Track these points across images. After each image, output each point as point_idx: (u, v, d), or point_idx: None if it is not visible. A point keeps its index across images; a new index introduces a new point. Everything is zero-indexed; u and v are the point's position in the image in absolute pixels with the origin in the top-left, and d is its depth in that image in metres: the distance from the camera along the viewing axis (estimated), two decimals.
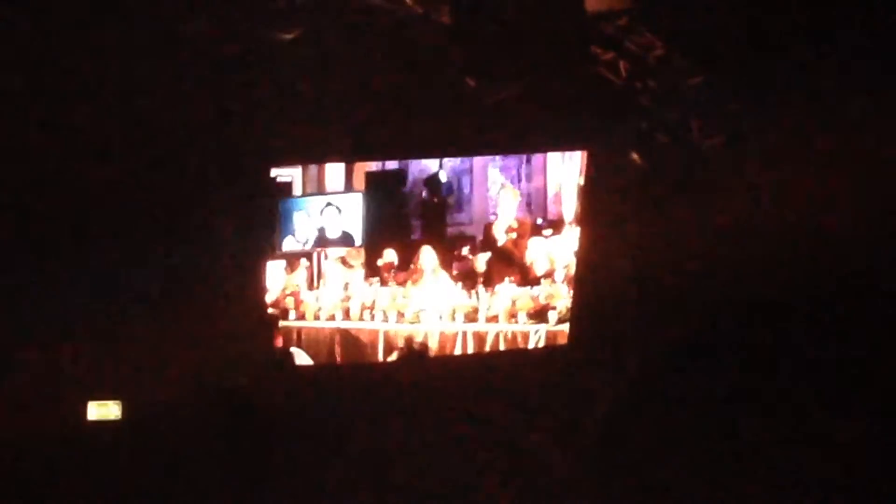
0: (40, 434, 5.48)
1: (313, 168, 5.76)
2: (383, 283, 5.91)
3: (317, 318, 5.88)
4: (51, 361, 5.47)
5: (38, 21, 4.86)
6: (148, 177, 5.35)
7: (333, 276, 5.89)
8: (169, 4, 4.96)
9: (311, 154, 5.59)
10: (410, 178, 5.87)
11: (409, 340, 5.87)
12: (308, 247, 5.77)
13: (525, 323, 5.90)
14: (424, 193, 5.90)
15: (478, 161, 5.98)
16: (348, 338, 5.91)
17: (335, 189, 5.81)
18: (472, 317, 5.90)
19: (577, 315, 5.86)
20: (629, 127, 5.62)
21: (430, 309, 5.89)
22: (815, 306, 5.88)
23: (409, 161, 5.83)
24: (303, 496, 5.76)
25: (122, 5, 4.91)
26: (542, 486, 5.90)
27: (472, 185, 6.01)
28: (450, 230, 6.00)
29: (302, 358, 5.84)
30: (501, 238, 5.97)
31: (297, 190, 5.74)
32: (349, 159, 5.73)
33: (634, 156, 5.65)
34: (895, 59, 5.20)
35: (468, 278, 5.93)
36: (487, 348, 5.90)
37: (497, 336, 5.91)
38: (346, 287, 5.91)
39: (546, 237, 5.97)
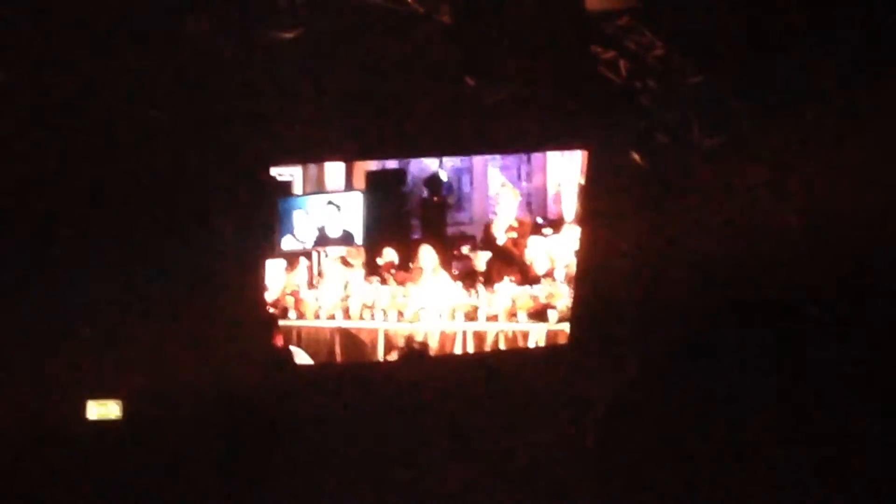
0: (40, 433, 5.47)
1: (313, 167, 5.77)
2: (383, 282, 5.92)
3: (317, 317, 5.89)
4: (51, 361, 5.46)
5: (38, 21, 4.86)
6: (148, 176, 5.35)
7: (333, 276, 5.90)
8: (169, 4, 4.96)
9: (312, 153, 5.59)
10: (410, 177, 5.88)
11: (409, 340, 5.87)
12: (308, 246, 5.77)
13: (525, 322, 5.90)
14: (424, 193, 5.91)
15: (478, 160, 5.99)
16: (348, 337, 5.91)
17: (335, 188, 5.82)
18: (472, 316, 5.91)
19: (577, 314, 5.85)
20: (629, 126, 5.61)
21: (430, 308, 5.89)
22: (815, 306, 5.87)
23: (409, 160, 5.84)
24: (302, 495, 5.76)
25: (121, 5, 4.90)
26: (542, 485, 5.91)
27: (472, 184, 6.02)
28: (450, 229, 6.01)
29: (302, 357, 5.85)
30: (501, 237, 5.97)
31: (297, 189, 5.75)
32: (349, 158, 5.74)
33: (634, 155, 5.64)
34: (895, 58, 5.19)
35: (468, 277, 5.94)
36: (487, 347, 5.91)
37: (497, 335, 5.92)
38: (346, 286, 5.92)
39: (546, 236, 5.97)
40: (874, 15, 5.19)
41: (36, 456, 5.47)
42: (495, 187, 6.02)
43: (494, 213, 6.00)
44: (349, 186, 5.83)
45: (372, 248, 5.87)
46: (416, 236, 5.93)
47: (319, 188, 5.80)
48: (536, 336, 5.91)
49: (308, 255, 5.83)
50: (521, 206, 6.00)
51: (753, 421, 5.88)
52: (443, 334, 5.89)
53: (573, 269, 5.84)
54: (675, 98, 5.51)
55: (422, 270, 5.90)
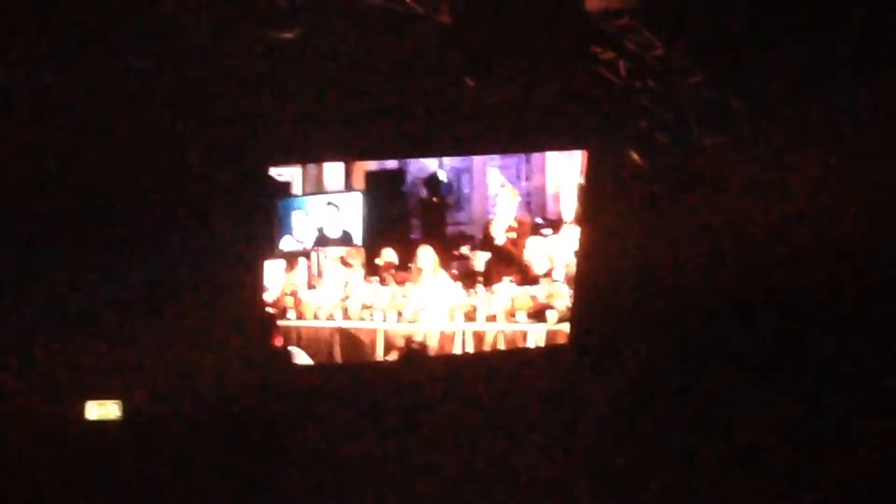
0: (40, 433, 5.47)
1: (313, 167, 5.76)
2: (383, 282, 5.91)
3: (316, 317, 5.87)
4: (50, 361, 5.46)
5: (38, 21, 4.85)
6: (147, 176, 5.35)
7: (333, 276, 5.89)
8: (169, 4, 4.95)
9: (311, 153, 5.58)
10: (410, 177, 5.87)
11: (408, 340, 5.87)
12: (307, 246, 5.77)
13: (524, 322, 5.90)
14: (424, 193, 5.90)
15: (477, 160, 5.98)
16: (348, 337, 5.91)
17: (335, 188, 5.81)
18: (471, 316, 5.91)
19: (576, 314, 5.86)
20: (629, 126, 5.62)
21: (430, 308, 5.89)
22: (816, 305, 5.88)
23: (409, 160, 5.83)
24: (302, 495, 5.77)
25: (122, 5, 4.90)
26: (542, 485, 5.91)
27: (471, 184, 6.02)
28: (449, 229, 6.01)
29: (301, 357, 5.84)
30: (500, 237, 5.97)
31: (296, 189, 5.74)
32: (349, 159, 5.73)
33: (634, 155, 5.65)
34: (895, 58, 5.20)
35: (467, 277, 5.93)
36: (487, 348, 5.91)
37: (496, 335, 5.92)
38: (345, 286, 5.91)
39: (545, 236, 5.97)
40: (874, 15, 5.20)
41: (36, 456, 5.47)
42: (495, 187, 6.01)
43: (494, 214, 6.00)
44: (349, 187, 5.82)
45: (371, 248, 5.86)
46: (415, 236, 5.92)
47: (319, 188, 5.79)
48: (535, 336, 5.92)
49: (307, 255, 5.82)
50: (520, 206, 6.00)
51: (753, 421, 5.90)
52: (442, 334, 5.89)
53: (572, 270, 5.85)
54: (674, 98, 5.52)
55: (421, 271, 5.90)
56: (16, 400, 5.42)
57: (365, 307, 5.90)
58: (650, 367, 6.02)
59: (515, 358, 5.95)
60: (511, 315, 5.91)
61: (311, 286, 5.85)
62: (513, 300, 5.92)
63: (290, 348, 5.82)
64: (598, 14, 5.35)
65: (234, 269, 5.55)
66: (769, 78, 5.39)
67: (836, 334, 5.88)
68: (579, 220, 5.82)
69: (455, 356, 5.91)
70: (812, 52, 5.27)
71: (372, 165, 5.80)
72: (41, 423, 5.45)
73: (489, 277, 5.94)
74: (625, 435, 5.99)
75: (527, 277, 5.95)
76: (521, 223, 5.98)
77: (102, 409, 5.55)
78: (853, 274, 5.78)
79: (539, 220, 6.01)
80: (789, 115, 5.44)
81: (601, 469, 5.94)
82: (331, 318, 5.88)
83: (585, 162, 5.69)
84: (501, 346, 5.91)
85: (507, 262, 5.96)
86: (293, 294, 5.82)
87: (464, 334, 5.90)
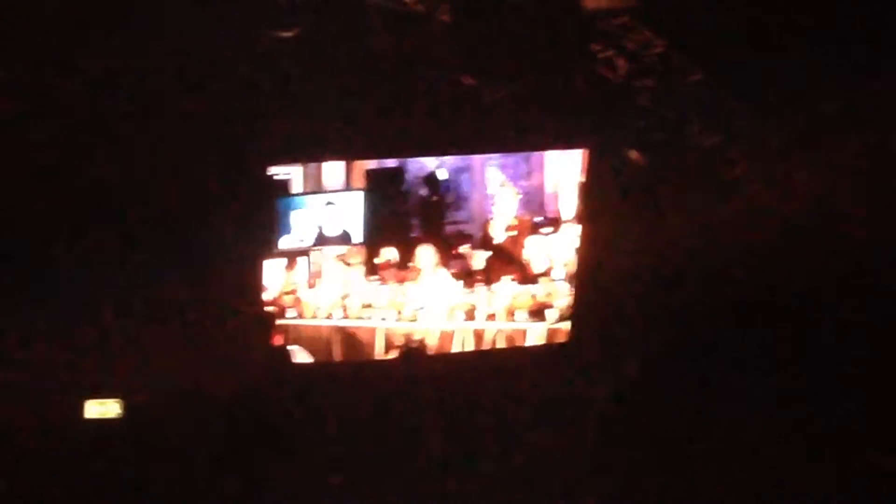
0: (38, 432, 5.47)
1: (312, 166, 5.74)
2: (382, 281, 5.90)
3: (315, 316, 5.87)
4: (49, 360, 5.46)
5: (38, 20, 4.84)
6: (146, 175, 5.34)
7: (332, 275, 5.88)
8: (168, 2, 4.95)
9: (310, 152, 5.58)
10: (409, 176, 5.85)
11: (407, 338, 5.87)
12: (307, 245, 5.77)
13: (524, 321, 5.91)
14: (423, 191, 5.88)
15: (477, 159, 5.95)
16: (347, 336, 5.90)
17: (334, 187, 5.79)
18: (470, 315, 5.90)
19: (576, 313, 5.86)
20: (628, 125, 5.62)
21: (429, 307, 5.88)
22: (816, 305, 5.89)
23: (408, 159, 5.83)
24: (302, 494, 5.77)
25: (120, 4, 4.90)
26: (541, 484, 5.92)
27: (470, 183, 5.99)
28: (448, 228, 5.99)
29: (301, 356, 5.84)
30: (500, 236, 5.96)
31: (296, 188, 5.73)
32: (348, 157, 5.72)
33: (633, 154, 5.65)
34: (895, 58, 5.20)
35: (467, 276, 5.93)
36: (486, 346, 5.90)
37: (496, 334, 5.91)
38: (345, 285, 5.90)
39: (545, 235, 5.97)
40: (874, 15, 5.20)
41: (34, 455, 5.47)
42: (494, 186, 6.00)
43: (493, 212, 5.99)
44: (348, 186, 5.81)
45: (371, 247, 5.86)
46: (415, 235, 5.92)
47: (318, 187, 5.78)
48: (535, 335, 5.92)
49: (307, 254, 5.81)
50: (519, 204, 5.99)
51: (753, 420, 5.90)
52: (442, 333, 5.89)
53: (572, 268, 5.85)
54: (674, 96, 5.52)
55: (420, 270, 5.89)
56: (15, 398, 5.42)
57: (364, 306, 5.90)
58: (650, 365, 6.02)
59: (515, 356, 5.95)
60: (511, 314, 5.91)
61: (310, 285, 5.84)
62: (513, 299, 5.91)
63: (289, 347, 5.81)
64: (598, 13, 5.36)
65: (233, 268, 5.55)
66: (769, 77, 5.39)
67: (839, 334, 5.88)
68: (579, 218, 5.82)
69: (455, 355, 5.90)
70: (812, 50, 5.27)
71: (371, 164, 5.79)
72: (40, 422, 5.45)
73: (489, 276, 5.93)
74: (625, 434, 5.99)
75: (526, 276, 5.94)
76: (520, 222, 5.97)
77: (102, 408, 5.56)
78: (855, 274, 5.78)
79: (538, 219, 5.99)
80: (789, 114, 5.45)
81: (601, 468, 5.95)
82: (330, 316, 5.87)
83: (585, 161, 5.69)
84: (501, 344, 5.91)
85: (507, 261, 5.95)
86: (292, 293, 5.81)
87: (463, 333, 5.90)
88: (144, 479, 5.60)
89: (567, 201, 5.95)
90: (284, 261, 5.75)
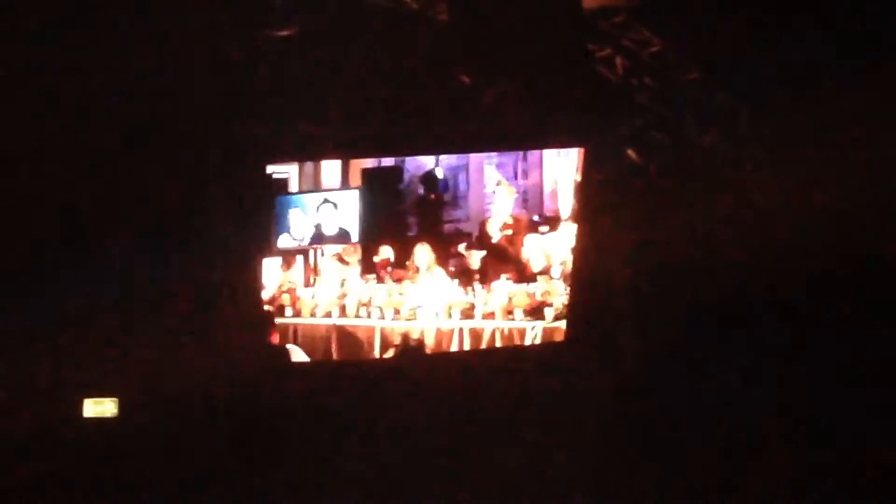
0: (36, 432, 5.46)
1: (310, 165, 5.76)
2: (380, 279, 5.91)
3: (313, 314, 5.88)
4: (47, 358, 5.45)
5: (38, 19, 4.84)
6: (144, 174, 5.34)
7: (330, 273, 5.89)
8: (167, 2, 4.94)
9: (308, 151, 5.58)
10: (407, 174, 5.87)
11: (405, 337, 5.87)
12: (304, 244, 5.77)
13: (521, 320, 5.91)
14: (421, 190, 5.90)
15: (474, 158, 5.98)
16: (345, 335, 5.91)
17: (332, 186, 5.81)
18: (468, 313, 5.91)
19: (573, 312, 5.86)
20: (626, 124, 5.62)
21: (427, 306, 5.89)
22: (814, 303, 5.88)
23: (406, 158, 5.83)
24: (300, 493, 5.76)
25: (118, 3, 4.89)
26: (539, 483, 5.90)
27: (468, 181, 6.01)
28: (446, 227, 6.00)
29: (298, 355, 5.84)
30: (497, 235, 5.97)
31: (293, 187, 5.74)
32: (346, 156, 5.73)
33: (631, 153, 5.65)
34: (895, 58, 5.20)
35: (464, 275, 5.93)
36: (484, 345, 5.91)
37: (493, 333, 5.92)
38: (342, 284, 5.91)
39: (542, 234, 5.97)
40: (874, 15, 5.20)
41: (31, 455, 5.46)
42: (491, 185, 6.01)
43: (490, 211, 6.00)
44: (345, 184, 5.82)
45: (368, 245, 5.86)
46: (412, 234, 5.92)
47: (316, 186, 5.80)
48: (533, 333, 5.92)
49: (304, 252, 5.82)
50: (517, 203, 6.00)
51: (752, 419, 5.89)
52: (439, 332, 5.89)
53: (570, 267, 5.85)
54: (671, 95, 5.51)
55: (418, 268, 5.90)
56: (11, 397, 5.41)
57: (362, 304, 5.91)
58: (648, 364, 6.02)
59: (513, 355, 5.95)
60: (508, 312, 5.92)
61: (308, 284, 5.86)
62: (510, 298, 5.92)
63: (287, 346, 5.82)
64: (595, 11, 5.35)
65: (231, 267, 5.54)
66: (767, 75, 5.39)
67: (836, 331, 5.87)
68: (576, 217, 5.82)
69: (452, 354, 5.91)
70: (811, 50, 5.27)
71: (369, 163, 5.80)
72: (37, 421, 5.44)
73: (486, 275, 5.94)
74: (622, 432, 5.99)
75: (524, 275, 5.95)
76: (517, 220, 5.98)
77: (99, 407, 5.55)
78: (853, 273, 5.78)
79: (536, 218, 6.00)
80: (787, 113, 5.45)
81: (598, 467, 5.94)
82: (328, 315, 5.89)
83: (582, 159, 5.69)
84: (499, 343, 5.92)
85: (504, 260, 5.96)
86: (290, 291, 5.83)
87: (461, 332, 5.90)
88: (141, 478, 5.59)
89: (565, 200, 5.96)
90: (281, 259, 5.76)
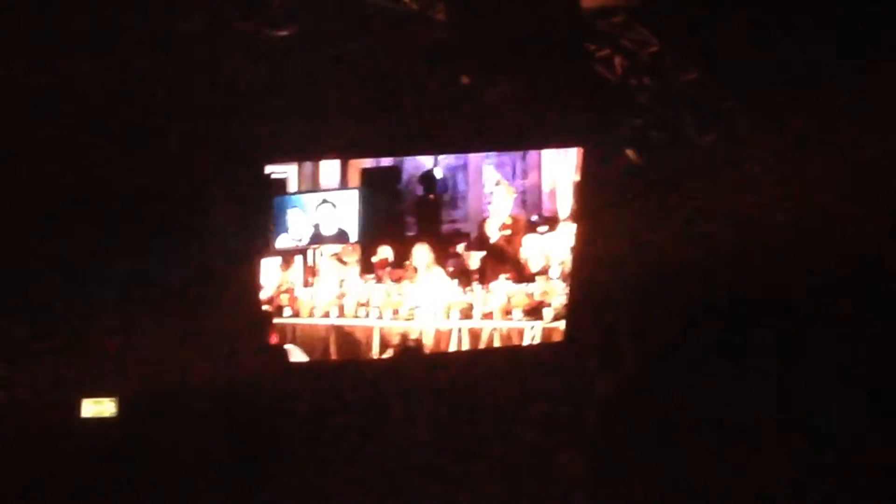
0: (34, 431, 5.47)
1: (308, 165, 5.75)
2: (378, 279, 5.90)
3: (311, 315, 5.87)
4: (45, 359, 5.46)
5: (38, 18, 4.84)
6: (143, 174, 5.34)
7: (328, 273, 5.88)
8: (167, 2, 4.95)
9: (307, 151, 5.58)
10: (405, 174, 5.86)
11: (404, 337, 5.87)
12: (303, 244, 5.77)
13: (520, 320, 5.90)
14: (419, 190, 5.89)
15: (473, 158, 5.96)
16: (343, 335, 5.90)
17: (330, 186, 5.80)
18: (467, 314, 5.90)
19: (572, 312, 5.86)
20: (625, 124, 5.61)
21: (425, 306, 5.88)
22: (813, 303, 5.88)
23: (404, 158, 5.82)
24: (298, 493, 5.77)
25: (118, 3, 4.90)
26: (538, 483, 5.91)
27: (467, 181, 6.00)
28: (445, 227, 5.99)
29: (297, 355, 5.83)
30: (496, 235, 5.96)
31: (292, 187, 5.73)
32: (344, 156, 5.72)
33: (630, 152, 5.65)
34: (895, 58, 5.19)
35: (463, 275, 5.92)
36: (482, 345, 5.90)
37: (492, 333, 5.91)
38: (341, 284, 5.90)
39: (541, 234, 5.96)
40: (874, 15, 5.19)
41: (30, 454, 5.47)
42: (490, 185, 6.00)
43: (489, 211, 5.99)
44: (344, 184, 5.81)
45: (367, 245, 5.86)
46: (411, 234, 5.91)
47: (314, 186, 5.78)
48: (532, 334, 5.91)
49: (303, 252, 5.82)
50: (516, 203, 5.99)
51: (751, 419, 5.89)
52: (438, 332, 5.89)
53: (568, 267, 5.84)
54: (670, 95, 5.51)
55: (417, 268, 5.89)
56: (11, 397, 5.42)
57: (360, 305, 5.90)
58: (647, 364, 6.02)
59: (511, 355, 5.95)
60: (507, 312, 5.91)
61: (306, 284, 5.85)
62: (509, 298, 5.91)
63: (285, 346, 5.81)
64: (594, 11, 5.35)
65: (230, 267, 5.55)
66: (766, 75, 5.39)
67: (836, 331, 5.87)
68: (575, 217, 5.81)
69: (451, 354, 5.90)
70: (809, 49, 5.26)
71: (368, 163, 5.79)
72: (36, 421, 5.45)
73: (485, 275, 5.93)
74: (622, 432, 5.99)
75: (523, 275, 5.94)
76: (516, 220, 5.97)
77: (98, 407, 5.56)
78: (853, 272, 5.77)
79: (535, 218, 5.99)
80: (786, 113, 5.44)
81: (597, 467, 5.94)
82: (326, 315, 5.88)
83: (581, 159, 5.68)
84: (497, 343, 5.91)
85: (503, 260, 5.95)
86: (289, 291, 5.82)
87: (460, 332, 5.89)
88: (140, 477, 5.59)
89: (564, 200, 5.95)
90: (280, 259, 5.75)
